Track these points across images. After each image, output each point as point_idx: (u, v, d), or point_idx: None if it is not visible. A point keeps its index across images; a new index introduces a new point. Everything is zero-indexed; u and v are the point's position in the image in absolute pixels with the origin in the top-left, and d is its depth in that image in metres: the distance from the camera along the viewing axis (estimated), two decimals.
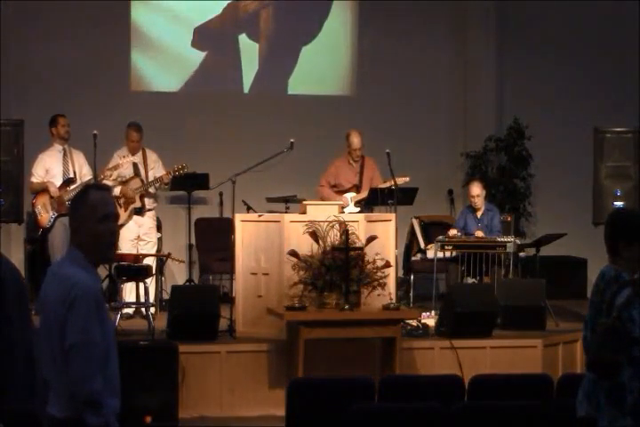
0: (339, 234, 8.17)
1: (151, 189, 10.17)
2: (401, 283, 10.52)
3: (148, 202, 10.21)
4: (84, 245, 3.83)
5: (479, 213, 10.45)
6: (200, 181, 10.76)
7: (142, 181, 10.10)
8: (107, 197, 3.90)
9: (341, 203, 9.69)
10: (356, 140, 10.26)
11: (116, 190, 10.01)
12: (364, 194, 10.15)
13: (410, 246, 11.21)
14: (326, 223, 8.24)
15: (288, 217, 8.66)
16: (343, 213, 9.20)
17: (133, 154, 10.17)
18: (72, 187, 9.82)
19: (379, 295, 8.19)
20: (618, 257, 4.58)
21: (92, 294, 3.74)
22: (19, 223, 10.35)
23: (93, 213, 3.80)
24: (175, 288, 9.02)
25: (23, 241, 10.79)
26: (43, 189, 9.87)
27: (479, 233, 10.15)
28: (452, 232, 10.17)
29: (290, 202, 9.35)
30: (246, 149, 11.19)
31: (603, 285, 4.55)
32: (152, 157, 10.28)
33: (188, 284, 10.62)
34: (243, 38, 12.39)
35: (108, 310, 4.00)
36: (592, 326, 4.56)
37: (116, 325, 8.75)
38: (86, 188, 3.98)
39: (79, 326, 3.71)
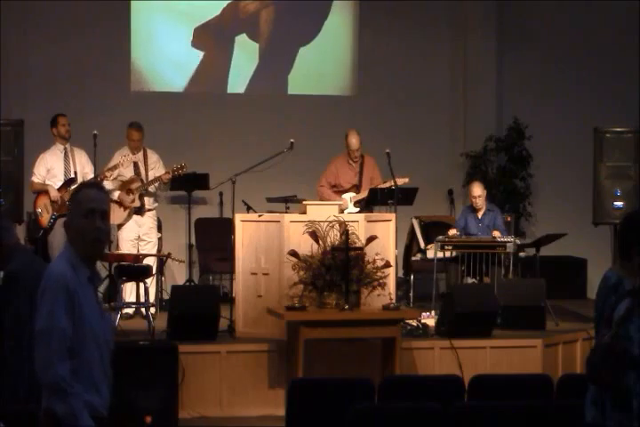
0: (339, 234, 8.17)
1: (151, 189, 10.18)
2: (401, 283, 10.51)
3: (149, 202, 10.21)
4: (73, 241, 3.91)
5: (480, 214, 10.44)
6: (200, 181, 10.76)
7: (142, 180, 10.11)
8: (95, 193, 3.95)
9: (341, 203, 9.69)
10: (354, 141, 10.24)
11: (115, 195, 10.02)
12: (363, 194, 10.14)
13: (410, 246, 11.20)
14: (326, 223, 8.24)
15: (288, 217, 8.66)
16: (343, 213, 9.20)
17: (134, 154, 10.19)
18: (73, 187, 9.82)
19: (379, 295, 8.18)
20: (626, 261, 4.51)
21: (63, 284, 3.77)
22: (19, 223, 10.35)
23: (79, 208, 3.88)
24: (175, 288, 9.03)
25: (24, 241, 10.78)
26: (44, 190, 9.89)
27: (496, 233, 10.12)
28: (452, 232, 10.16)
29: (290, 202, 9.35)
30: (246, 149, 11.19)
31: (605, 291, 4.49)
32: (153, 157, 10.29)
33: (187, 284, 10.62)
34: (243, 38, 12.39)
35: (103, 308, 3.99)
36: (596, 329, 4.53)
37: (115, 325, 8.78)
38: (80, 186, 4.05)
39: (45, 312, 3.76)
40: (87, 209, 3.86)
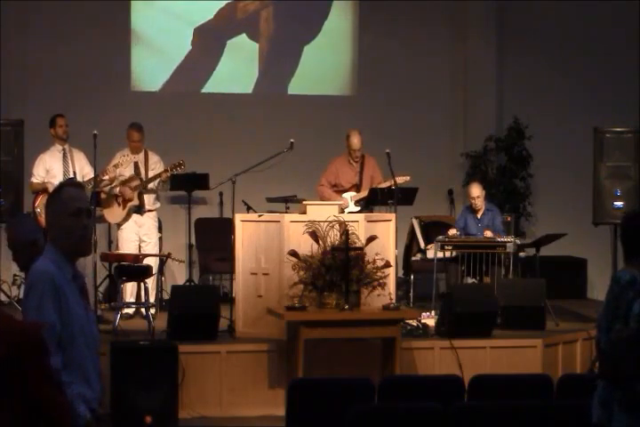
0: (339, 234, 8.17)
1: (151, 186, 10.15)
2: (401, 283, 10.51)
3: (149, 202, 10.20)
4: (58, 240, 3.91)
5: (479, 214, 10.44)
6: (200, 181, 10.77)
7: (141, 180, 10.11)
8: (80, 193, 3.99)
9: (341, 203, 9.69)
10: (355, 141, 10.24)
11: (115, 190, 10.04)
12: (363, 193, 10.14)
13: (410, 246, 11.20)
14: (326, 223, 8.24)
15: (288, 217, 8.66)
16: (343, 212, 9.20)
17: (135, 154, 10.18)
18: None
19: (379, 295, 8.19)
20: (634, 260, 4.49)
21: (48, 279, 3.79)
22: None
23: (65, 207, 3.88)
24: (175, 288, 9.03)
25: None
26: (43, 190, 9.89)
27: (488, 233, 10.13)
28: (452, 232, 10.16)
29: (290, 202, 9.35)
30: (246, 149, 11.19)
31: (618, 289, 4.48)
32: (154, 158, 10.29)
33: (187, 284, 10.63)
34: (243, 38, 12.39)
35: (83, 300, 3.98)
36: (606, 330, 4.52)
37: (116, 324, 8.79)
38: (61, 185, 4.07)
39: (33, 306, 3.78)
40: (74, 208, 3.88)
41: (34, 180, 9.98)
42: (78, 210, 3.89)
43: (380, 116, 12.38)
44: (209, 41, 12.32)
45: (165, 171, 10.02)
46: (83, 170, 10.04)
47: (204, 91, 12.28)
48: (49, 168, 9.96)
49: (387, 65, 12.58)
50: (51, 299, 3.77)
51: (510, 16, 12.85)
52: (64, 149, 10.03)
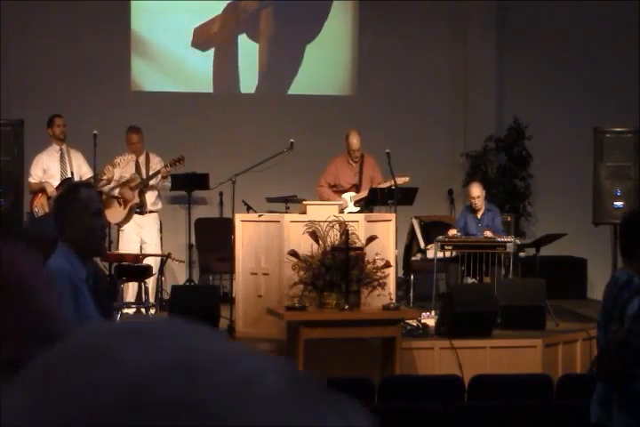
0: (339, 234, 8.17)
1: (152, 182, 10.14)
2: (401, 283, 10.51)
3: (150, 202, 10.20)
4: (76, 240, 3.90)
5: (479, 214, 10.43)
6: (200, 181, 10.77)
7: (142, 178, 10.11)
8: (95, 193, 4.08)
9: (341, 202, 9.69)
10: (355, 141, 10.24)
11: (115, 191, 10.03)
12: (363, 193, 10.14)
13: (410, 246, 11.20)
14: (326, 223, 8.24)
15: (288, 217, 8.66)
16: (343, 213, 9.20)
17: (137, 157, 10.19)
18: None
19: (379, 295, 8.18)
20: (633, 260, 4.51)
21: (65, 276, 3.78)
22: (19, 224, 10.34)
23: (86, 208, 3.89)
24: (175, 288, 9.04)
25: None
26: (41, 190, 9.90)
27: (488, 233, 10.12)
28: (452, 232, 10.16)
29: (290, 202, 9.36)
30: (246, 149, 11.19)
31: (615, 290, 4.48)
32: (155, 159, 10.29)
33: (188, 284, 10.63)
34: (242, 38, 12.39)
35: (95, 301, 3.98)
36: (604, 330, 4.52)
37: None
38: (75, 185, 4.10)
39: None
40: (95, 208, 3.92)
41: (31, 180, 9.98)
42: (98, 210, 3.93)
43: (380, 116, 12.38)
44: (209, 41, 12.32)
45: (165, 166, 10.01)
46: (80, 170, 10.04)
47: (203, 91, 12.28)
48: (46, 168, 9.96)
49: (387, 65, 12.58)
50: (68, 296, 3.76)
51: (510, 16, 12.85)
52: (61, 149, 10.04)
